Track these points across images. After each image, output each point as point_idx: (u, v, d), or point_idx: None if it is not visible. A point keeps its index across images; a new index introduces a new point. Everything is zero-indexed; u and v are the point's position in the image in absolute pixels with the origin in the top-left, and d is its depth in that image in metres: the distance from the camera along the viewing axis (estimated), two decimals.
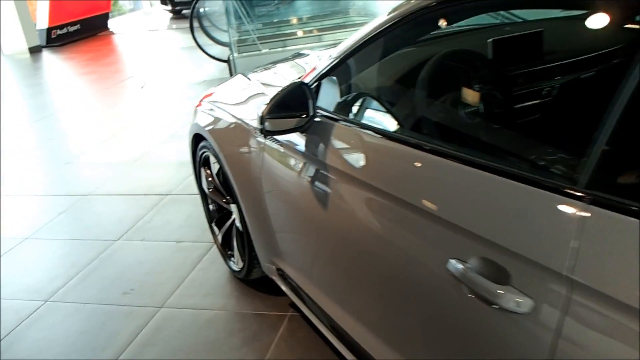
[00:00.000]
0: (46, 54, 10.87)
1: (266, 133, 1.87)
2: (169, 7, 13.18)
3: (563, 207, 1.10)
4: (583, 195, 1.07)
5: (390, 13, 1.72)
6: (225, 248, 2.97)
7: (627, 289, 0.97)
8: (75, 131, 6.16)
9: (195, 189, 3.09)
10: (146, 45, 10.74)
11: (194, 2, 7.61)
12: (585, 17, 1.46)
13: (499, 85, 1.85)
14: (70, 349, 2.59)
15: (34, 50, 10.95)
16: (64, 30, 11.62)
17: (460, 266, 1.26)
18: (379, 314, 1.75)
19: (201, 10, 8.00)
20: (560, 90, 1.88)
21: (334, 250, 1.92)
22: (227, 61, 6.76)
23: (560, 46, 1.99)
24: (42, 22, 11.34)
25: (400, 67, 1.95)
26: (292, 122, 1.88)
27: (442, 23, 1.82)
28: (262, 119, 1.82)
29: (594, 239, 1.04)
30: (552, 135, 1.60)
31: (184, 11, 12.76)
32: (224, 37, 7.45)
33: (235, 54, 6.86)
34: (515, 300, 1.15)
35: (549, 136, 1.60)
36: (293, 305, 2.52)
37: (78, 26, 11.92)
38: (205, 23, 8.11)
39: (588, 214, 1.06)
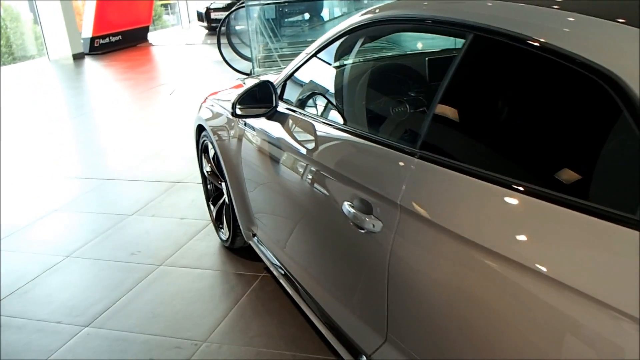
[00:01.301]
0: (88, 61, 11.76)
1: (236, 116, 2.48)
2: (205, 24, 14.04)
3: (402, 161, 1.67)
4: (414, 153, 1.64)
5: (333, 30, 2.31)
6: (217, 222, 3.57)
7: (435, 211, 1.52)
8: (107, 127, 6.89)
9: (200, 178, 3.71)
10: (181, 57, 11.54)
11: (222, 21, 8.33)
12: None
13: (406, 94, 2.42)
14: (85, 290, 3.20)
15: (77, 57, 11.86)
16: (106, 40, 12.54)
17: (348, 207, 1.83)
18: (309, 252, 2.33)
19: (231, 28, 8.74)
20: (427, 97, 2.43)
21: (284, 210, 2.51)
22: (250, 74, 7.45)
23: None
24: (87, 31, 12.28)
25: (340, 74, 2.52)
26: (259, 110, 2.49)
27: (368, 41, 2.40)
28: (233, 105, 2.43)
29: (417, 180, 1.61)
30: (410, 122, 2.14)
31: None
32: (249, 53, 8.15)
33: (257, 69, 7.56)
34: (372, 224, 1.71)
35: (409, 122, 2.14)
36: (267, 268, 3.08)
37: (119, 37, 12.83)
38: (235, 40, 8.85)
39: (414, 166, 1.62)
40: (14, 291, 3.23)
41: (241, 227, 3.15)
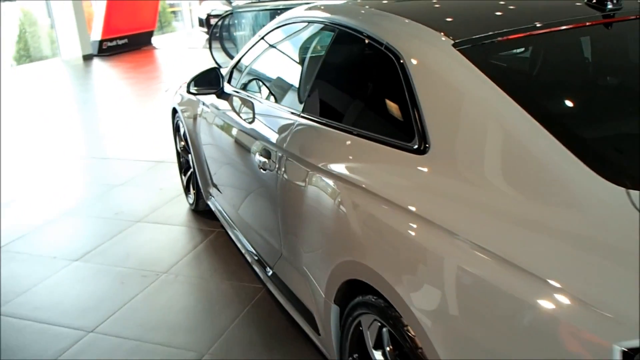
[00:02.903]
0: (96, 62, 12.62)
1: (190, 93, 3.24)
2: (205, 29, 14.87)
3: (291, 120, 2.42)
4: (298, 115, 2.39)
5: (265, 27, 3.08)
6: (186, 189, 4.34)
7: (303, 150, 2.26)
8: (107, 118, 7.70)
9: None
10: (181, 59, 12.37)
11: (213, 26, 9.13)
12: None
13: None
14: (80, 238, 3.97)
15: (87, 58, 12.72)
16: (114, 43, 13.41)
17: (258, 156, 2.57)
18: (237, 195, 3.10)
19: (224, 33, 9.54)
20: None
21: (225, 167, 3.27)
22: None
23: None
24: (96, 34, 13.16)
25: (264, 63, 3.25)
26: (209, 90, 3.25)
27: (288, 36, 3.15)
28: (188, 85, 3.21)
29: (297, 132, 2.35)
30: (299, 94, 2.64)
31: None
32: None
33: None
34: (270, 165, 2.46)
35: (299, 95, 2.64)
36: (222, 226, 3.82)
37: (126, 40, 13.70)
38: (229, 45, 9.65)
39: (297, 123, 2.37)
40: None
41: (202, 190, 3.91)
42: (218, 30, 9.37)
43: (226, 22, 9.50)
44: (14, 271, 3.54)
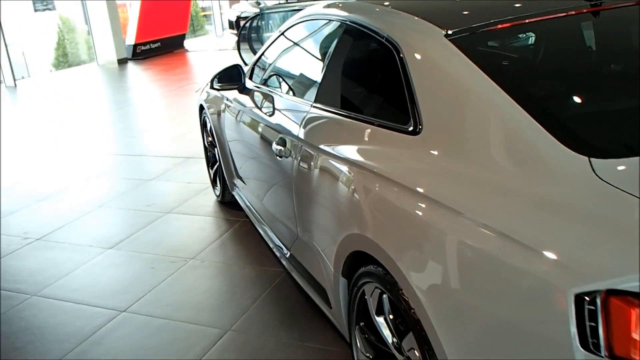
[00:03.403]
0: (130, 65, 13.02)
1: (213, 88, 3.44)
2: (235, 31, 15.18)
3: (304, 110, 2.59)
4: (311, 104, 2.56)
5: (284, 24, 3.26)
6: (213, 182, 4.55)
7: (312, 137, 2.43)
8: (140, 117, 8.01)
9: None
10: (211, 61, 12.67)
11: (241, 28, 9.38)
12: None
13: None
14: (114, 226, 4.22)
15: (122, 62, 13.13)
16: (147, 47, 13.79)
17: (275, 145, 2.75)
18: (258, 183, 3.28)
19: (253, 34, 9.79)
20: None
21: (247, 157, 3.46)
22: None
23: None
24: (130, 39, 13.57)
25: (281, 61, 3.43)
26: (232, 85, 3.45)
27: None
28: (211, 81, 3.40)
29: (309, 121, 2.53)
30: (312, 87, 2.76)
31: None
32: None
33: None
34: (285, 152, 2.63)
35: (312, 87, 2.78)
36: (246, 216, 4.01)
37: (159, 44, 14.08)
38: (257, 46, 9.89)
39: (309, 112, 2.54)
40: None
41: (227, 181, 4.11)
42: (246, 32, 9.62)
43: (254, 23, 9.75)
44: (55, 258, 3.80)
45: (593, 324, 1.17)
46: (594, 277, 1.19)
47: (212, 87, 3.47)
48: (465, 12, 2.16)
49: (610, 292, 1.15)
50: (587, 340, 1.18)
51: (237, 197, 3.97)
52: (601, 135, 1.56)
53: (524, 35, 2.09)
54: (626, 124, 1.61)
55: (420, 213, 1.65)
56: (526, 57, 2.05)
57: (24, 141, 7.28)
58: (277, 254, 3.14)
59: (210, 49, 14.88)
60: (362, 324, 2.11)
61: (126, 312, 3.09)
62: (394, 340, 1.89)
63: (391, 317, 1.90)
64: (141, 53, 13.65)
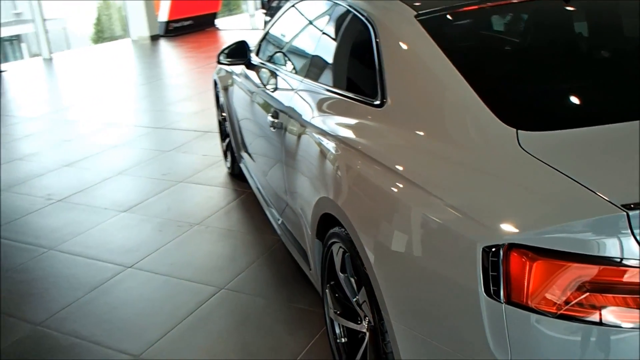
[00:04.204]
0: (162, 42, 13.34)
1: (221, 63, 3.65)
2: (265, 11, 15.38)
3: (294, 84, 2.78)
4: (301, 79, 2.75)
5: (286, 4, 3.44)
6: (225, 155, 4.79)
7: (298, 108, 2.63)
8: (166, 92, 8.30)
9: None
10: (242, 38, 12.88)
11: (269, 8, 9.56)
12: None
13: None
14: (130, 192, 4.50)
15: (154, 38, 13.47)
16: (179, 24, 14.10)
17: (269, 117, 2.95)
18: (257, 152, 3.50)
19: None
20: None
21: (248, 128, 3.67)
22: None
23: None
24: (163, 16, 13.88)
25: (282, 38, 3.61)
26: (238, 61, 3.65)
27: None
28: (218, 56, 3.61)
29: (297, 95, 2.72)
30: (303, 64, 2.97)
31: None
32: None
33: None
34: (277, 123, 2.83)
35: (303, 64, 2.95)
36: (249, 188, 4.24)
37: (191, 22, 14.37)
38: None
39: (299, 86, 2.74)
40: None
41: (235, 153, 4.34)
42: (275, 12, 9.79)
43: (282, 3, 9.91)
44: (74, 218, 4.10)
45: (495, 273, 1.35)
46: (498, 233, 1.36)
47: (218, 62, 3.68)
48: None
49: (511, 247, 1.33)
50: (490, 288, 1.36)
51: (243, 168, 4.20)
52: (534, 110, 1.73)
53: (490, 17, 2.24)
54: (562, 100, 1.77)
55: (371, 177, 1.84)
56: (485, 37, 2.20)
57: (55, 110, 7.65)
58: (272, 221, 3.36)
59: (242, 28, 15.10)
60: (332, 282, 2.31)
61: (132, 268, 3.35)
62: (354, 295, 2.09)
63: (351, 274, 2.10)
64: (173, 30, 13.95)
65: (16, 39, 24.90)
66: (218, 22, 15.52)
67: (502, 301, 1.34)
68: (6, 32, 23.96)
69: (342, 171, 2.08)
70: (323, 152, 2.26)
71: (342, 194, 2.02)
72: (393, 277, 1.71)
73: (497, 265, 1.34)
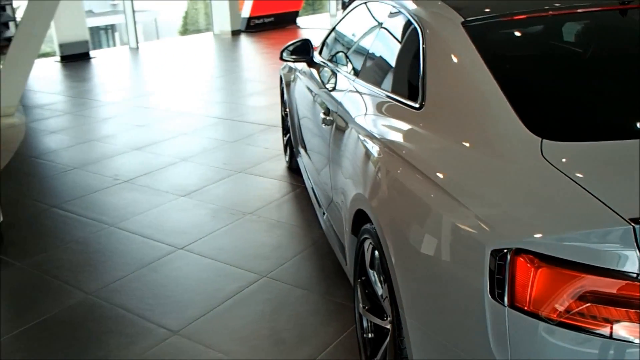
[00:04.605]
0: (242, 37, 13.70)
1: (283, 59, 3.74)
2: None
3: (347, 84, 2.84)
4: (353, 79, 2.80)
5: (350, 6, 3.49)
6: (285, 149, 4.89)
7: (345, 105, 2.68)
8: (240, 85, 8.54)
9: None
10: (319, 38, 13.05)
11: (346, 6, 9.62)
12: None
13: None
14: (190, 176, 4.69)
15: (235, 33, 13.85)
16: (261, 21, 14.42)
17: (321, 114, 3.02)
18: (310, 146, 3.56)
19: None
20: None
21: (306, 123, 3.74)
22: None
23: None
24: (246, 12, 14.24)
25: (343, 37, 3.65)
26: (300, 58, 3.73)
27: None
28: (281, 52, 3.71)
29: (347, 94, 2.77)
30: (358, 65, 3.08)
31: None
32: None
33: None
34: (328, 120, 2.89)
35: (358, 65, 3.06)
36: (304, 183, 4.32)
37: (272, 19, 14.66)
38: None
39: (350, 86, 2.79)
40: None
41: (294, 148, 4.43)
42: None
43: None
44: (134, 198, 4.32)
45: (500, 277, 1.35)
46: (507, 237, 1.37)
47: (281, 58, 3.77)
48: (491, 1, 2.30)
49: (518, 252, 1.33)
50: (495, 291, 1.37)
51: (300, 163, 4.28)
52: (561, 121, 1.70)
53: (534, 27, 2.21)
54: (589, 112, 1.74)
55: (399, 175, 1.87)
56: (526, 47, 2.17)
57: (134, 96, 8.04)
58: (319, 215, 3.42)
59: (322, 27, 15.28)
60: (363, 278, 2.34)
61: (182, 250, 3.50)
62: (381, 292, 2.11)
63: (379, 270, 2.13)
64: (254, 26, 14.28)
65: (110, 28, 26.25)
66: (300, 20, 15.76)
67: (506, 305, 1.34)
68: (102, 21, 25.39)
69: (374, 168, 2.12)
70: (362, 150, 2.30)
71: (372, 190, 2.06)
72: (410, 274, 1.73)
73: (503, 269, 1.35)
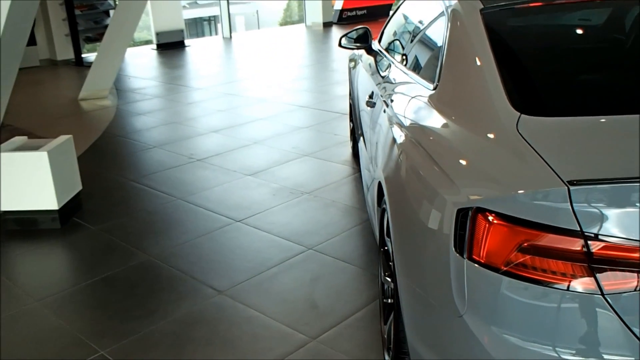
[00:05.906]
0: (333, 29, 13.95)
1: (342, 46, 3.89)
2: None
3: (391, 70, 2.95)
4: (396, 65, 2.91)
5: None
6: (351, 134, 5.05)
7: (388, 90, 2.80)
8: (323, 76, 8.77)
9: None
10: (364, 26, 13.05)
11: None
12: None
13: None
14: (266, 158, 4.97)
15: (326, 25, 14.13)
16: (353, 13, 14.60)
17: (367, 98, 3.14)
18: (365, 134, 3.69)
19: None
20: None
21: (361, 113, 3.88)
22: None
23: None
24: (339, 4, 14.47)
25: (395, 27, 3.73)
26: (359, 46, 3.87)
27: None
28: (340, 39, 3.86)
29: (387, 78, 2.88)
30: (405, 54, 3.21)
31: None
32: None
33: None
34: (372, 103, 3.02)
35: (405, 54, 3.21)
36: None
37: (365, 11, 14.80)
38: None
39: (393, 72, 2.90)
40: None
41: (355, 134, 4.57)
42: None
43: None
44: (204, 175, 4.65)
45: (462, 232, 1.47)
46: (470, 198, 1.48)
47: (340, 45, 3.92)
48: None
49: (479, 210, 1.43)
50: (458, 246, 1.48)
51: (359, 148, 4.42)
52: (543, 99, 1.80)
53: (545, 14, 2.26)
54: (571, 92, 1.81)
55: (401, 146, 2.00)
56: (535, 32, 2.22)
57: (220, 83, 8.48)
58: (365, 196, 3.55)
59: None
60: (386, 247, 2.47)
61: (239, 222, 3.76)
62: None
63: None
64: (346, 19, 14.49)
65: (213, 19, 27.53)
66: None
67: (465, 257, 1.45)
68: (206, 12, 26.69)
69: (389, 144, 2.25)
70: (385, 125, 2.43)
71: (384, 161, 2.19)
72: (401, 235, 1.87)
73: (465, 225, 1.45)
